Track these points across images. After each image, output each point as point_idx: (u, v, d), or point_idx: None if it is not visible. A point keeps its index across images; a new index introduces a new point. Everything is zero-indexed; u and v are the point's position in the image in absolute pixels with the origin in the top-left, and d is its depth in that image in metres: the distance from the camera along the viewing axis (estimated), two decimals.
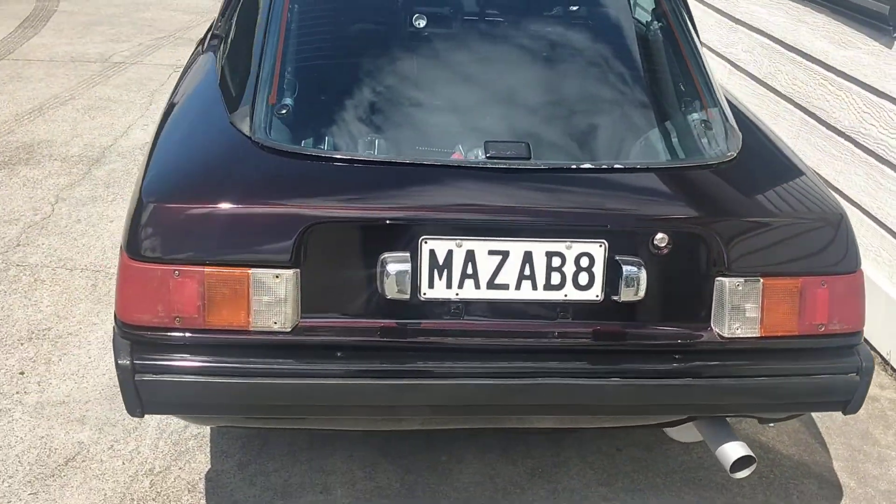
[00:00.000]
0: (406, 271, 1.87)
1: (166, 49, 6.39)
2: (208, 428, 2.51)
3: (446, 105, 2.24)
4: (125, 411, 1.89)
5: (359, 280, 1.94)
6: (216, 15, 3.03)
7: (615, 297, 1.97)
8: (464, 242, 1.93)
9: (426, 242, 1.92)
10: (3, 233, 3.55)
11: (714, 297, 2.01)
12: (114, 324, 1.97)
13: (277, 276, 1.90)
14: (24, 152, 4.36)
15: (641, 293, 1.94)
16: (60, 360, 2.79)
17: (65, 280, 3.24)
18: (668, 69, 2.43)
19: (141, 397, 1.89)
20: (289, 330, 1.93)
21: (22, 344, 2.85)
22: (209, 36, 2.89)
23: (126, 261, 1.91)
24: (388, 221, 1.93)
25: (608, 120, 2.28)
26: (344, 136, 2.15)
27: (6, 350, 2.81)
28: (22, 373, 2.71)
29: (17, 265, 3.33)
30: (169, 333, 1.92)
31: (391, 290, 1.88)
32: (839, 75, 3.41)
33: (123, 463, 2.37)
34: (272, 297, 1.91)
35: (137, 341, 1.92)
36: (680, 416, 2.10)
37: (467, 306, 1.97)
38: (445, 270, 1.93)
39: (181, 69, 2.90)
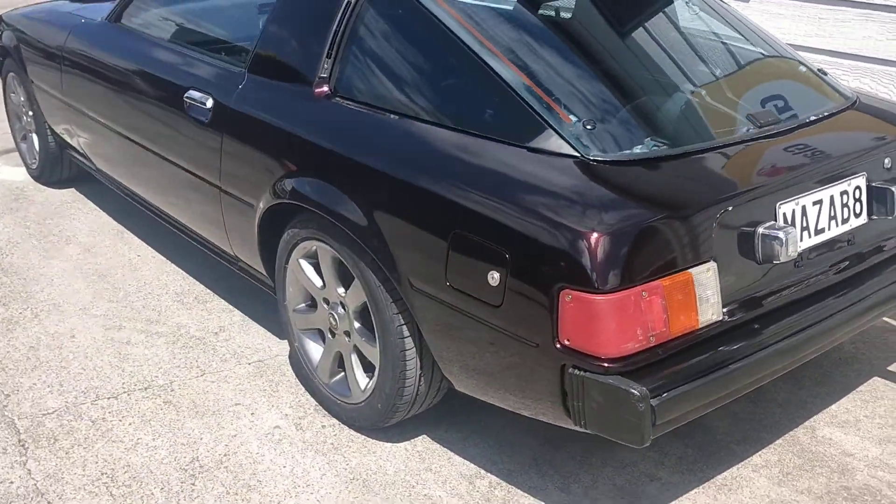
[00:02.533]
0: (794, 236, 2.09)
1: None
2: (458, 472, 2.41)
3: (690, 87, 2.44)
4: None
5: (745, 253, 2.10)
6: None
7: (874, 217, 2.41)
8: (800, 199, 2.22)
9: (780, 207, 2.17)
10: None
11: None
12: (576, 369, 1.90)
13: (708, 270, 2.00)
14: None
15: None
16: (257, 482, 2.38)
17: (120, 410, 2.67)
18: (772, 45, 2.85)
19: (655, 422, 1.87)
20: (721, 319, 2.04)
21: (194, 483, 2.36)
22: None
23: (593, 299, 1.85)
24: (758, 196, 2.12)
25: (776, 83, 2.66)
26: (648, 131, 2.22)
27: (190, 497, 2.31)
28: None
29: (45, 414, 2.64)
30: (648, 353, 1.92)
31: (784, 255, 2.09)
32: None
33: None
34: (709, 292, 2.01)
35: (629, 371, 1.88)
36: None
37: (803, 254, 2.25)
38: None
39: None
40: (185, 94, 2.89)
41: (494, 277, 2.00)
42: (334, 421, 2.64)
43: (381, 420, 2.49)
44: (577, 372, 1.91)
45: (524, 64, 2.30)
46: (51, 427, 2.59)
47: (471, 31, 2.36)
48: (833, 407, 2.75)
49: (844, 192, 2.32)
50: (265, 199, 2.61)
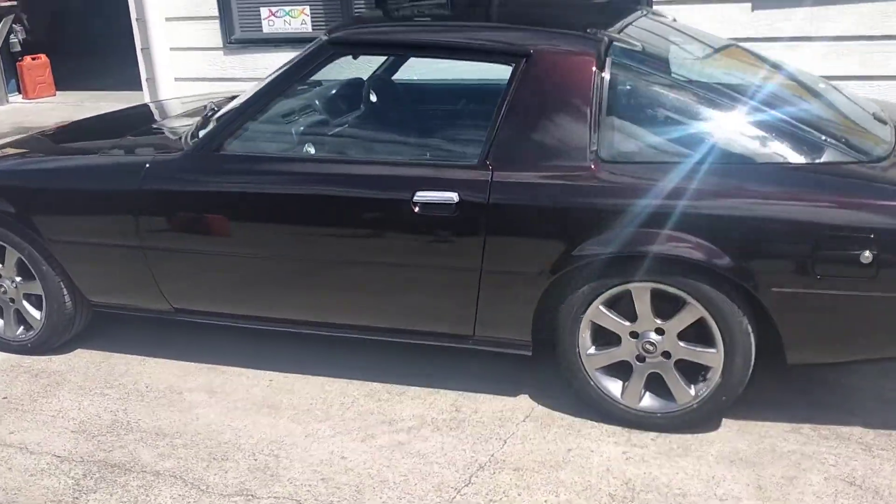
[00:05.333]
0: None
1: None
2: (783, 430, 3.11)
3: (833, 109, 3.35)
4: None
5: None
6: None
7: None
8: None
9: None
10: None
11: None
12: None
13: None
14: None
15: None
16: (679, 489, 2.80)
17: (497, 486, 2.87)
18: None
19: None
20: None
21: None
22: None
23: None
24: None
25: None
26: (857, 140, 3.09)
27: None
28: None
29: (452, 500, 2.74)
30: None
31: None
32: None
33: None
34: None
35: None
36: None
37: None
38: None
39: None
40: (414, 198, 3.10)
41: (867, 256, 2.72)
42: (654, 433, 3.10)
43: (719, 411, 3.04)
44: None
45: (769, 104, 3.06)
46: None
47: (715, 87, 3.05)
48: None
49: None
50: (557, 265, 2.99)
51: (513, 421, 3.24)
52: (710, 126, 3.06)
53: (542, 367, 3.53)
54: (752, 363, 2.97)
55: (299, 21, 5.81)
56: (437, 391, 3.47)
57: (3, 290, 3.94)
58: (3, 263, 3.90)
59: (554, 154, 3.03)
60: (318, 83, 3.75)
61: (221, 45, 6.06)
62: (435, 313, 3.28)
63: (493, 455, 3.04)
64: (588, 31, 3.19)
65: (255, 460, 3.10)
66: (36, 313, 3.93)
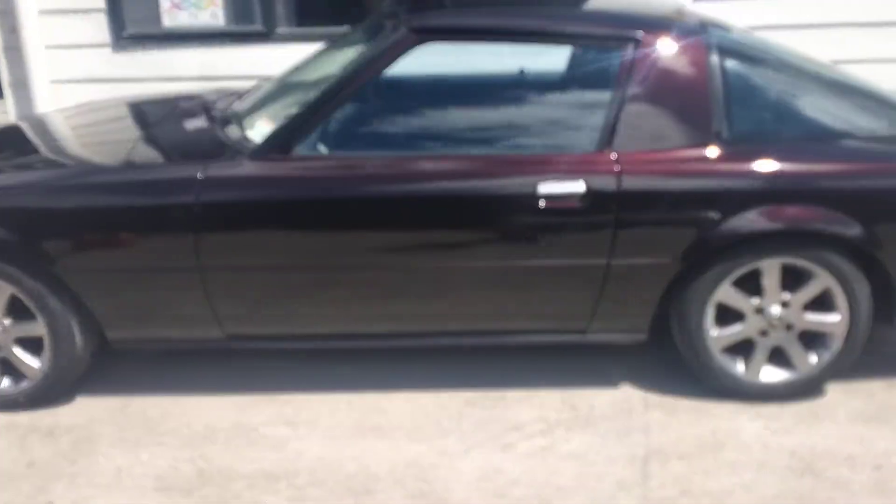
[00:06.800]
0: None
1: None
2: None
3: None
4: None
5: None
6: None
7: None
8: None
9: None
10: None
11: None
12: None
13: None
14: None
15: None
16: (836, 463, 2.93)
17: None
18: None
19: None
20: None
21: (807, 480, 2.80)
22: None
23: None
24: None
25: None
26: None
27: None
28: None
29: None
30: None
31: None
32: None
33: None
34: None
35: None
36: None
37: None
38: None
39: None
40: (538, 189, 2.96)
41: None
42: (776, 405, 3.20)
43: (835, 376, 3.19)
44: None
45: (850, 82, 3.27)
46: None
47: (805, 66, 3.20)
48: None
49: None
50: (690, 249, 2.99)
51: (636, 411, 3.19)
52: (818, 103, 3.19)
53: (622, 354, 3.52)
54: (870, 327, 3.15)
55: (208, 13, 5.28)
56: (534, 392, 3.34)
57: None
58: None
59: (679, 137, 3.02)
60: (392, 75, 3.43)
61: (111, 42, 5.36)
62: (549, 310, 3.15)
63: (648, 447, 2.98)
64: (683, 16, 3.21)
65: (406, 489, 2.81)
66: (32, 360, 3.28)
